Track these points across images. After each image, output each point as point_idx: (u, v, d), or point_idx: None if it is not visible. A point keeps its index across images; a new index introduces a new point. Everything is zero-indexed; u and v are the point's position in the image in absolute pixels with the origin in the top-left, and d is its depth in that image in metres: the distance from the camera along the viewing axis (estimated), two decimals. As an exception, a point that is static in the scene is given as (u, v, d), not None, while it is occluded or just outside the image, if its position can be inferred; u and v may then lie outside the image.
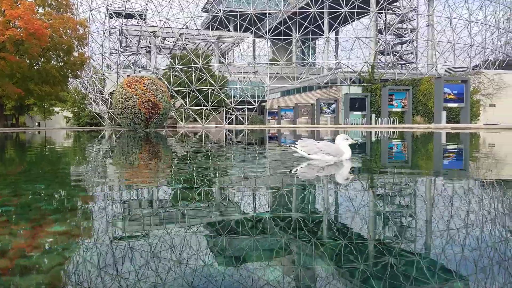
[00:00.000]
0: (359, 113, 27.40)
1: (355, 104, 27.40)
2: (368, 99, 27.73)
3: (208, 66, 33.17)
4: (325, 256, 1.21)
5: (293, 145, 3.80)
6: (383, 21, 36.20)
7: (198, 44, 37.00)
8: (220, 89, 32.75)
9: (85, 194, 2.38)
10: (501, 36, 33.87)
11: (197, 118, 33.95)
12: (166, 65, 35.25)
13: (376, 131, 15.56)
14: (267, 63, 37.76)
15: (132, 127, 22.68)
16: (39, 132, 21.61)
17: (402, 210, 1.83)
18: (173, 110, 31.93)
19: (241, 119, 35.58)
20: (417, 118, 25.49)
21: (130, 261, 1.17)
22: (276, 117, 34.46)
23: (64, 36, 27.45)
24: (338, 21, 32.75)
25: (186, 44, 34.29)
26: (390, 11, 35.03)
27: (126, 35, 36.15)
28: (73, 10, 31.00)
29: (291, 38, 35.53)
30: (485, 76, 23.93)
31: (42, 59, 27.58)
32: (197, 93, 32.43)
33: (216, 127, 32.52)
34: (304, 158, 3.74)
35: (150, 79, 23.31)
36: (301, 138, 3.94)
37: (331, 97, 31.25)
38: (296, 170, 3.19)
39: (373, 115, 26.84)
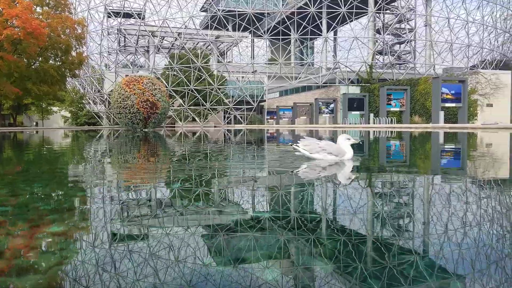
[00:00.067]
0: (358, 113, 27.47)
1: (354, 104, 27.46)
2: (366, 99, 27.79)
3: (206, 65, 33.14)
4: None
5: (295, 144, 3.81)
6: (381, 21, 36.28)
7: (197, 44, 36.94)
8: (219, 88, 32.73)
9: (83, 194, 2.37)
10: (498, 36, 34.02)
11: (196, 118, 33.92)
12: (165, 65, 35.20)
13: (374, 131, 15.60)
14: (265, 63, 37.76)
15: (131, 126, 22.62)
16: (37, 132, 21.53)
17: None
18: (172, 109, 31.89)
19: (240, 119, 35.58)
20: (415, 118, 25.57)
21: (129, 261, 1.17)
22: (275, 117, 34.48)
23: (62, 36, 27.34)
24: (337, 21, 32.80)
25: (185, 44, 34.23)
26: (388, 11, 35.11)
27: (125, 35, 36.06)
28: (71, 10, 30.88)
29: (290, 38, 35.55)
30: (483, 76, 24.04)
31: (40, 58, 27.46)
32: (195, 92, 32.39)
33: (215, 126, 32.49)
34: (306, 157, 3.74)
35: (149, 79, 23.26)
36: (304, 137, 3.95)
37: (330, 97, 31.30)
38: (298, 171, 3.19)
39: (371, 115, 26.90)
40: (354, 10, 31.43)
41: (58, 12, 28.16)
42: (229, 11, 34.25)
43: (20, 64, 24.92)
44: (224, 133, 16.64)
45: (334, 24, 33.91)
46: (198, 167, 3.62)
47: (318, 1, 31.82)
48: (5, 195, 2.26)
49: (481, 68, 28.22)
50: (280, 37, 33.71)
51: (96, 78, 35.63)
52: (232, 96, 34.74)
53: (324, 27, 35.04)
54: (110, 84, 33.34)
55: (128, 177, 3.16)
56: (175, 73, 32.41)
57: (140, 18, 33.78)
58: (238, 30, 34.41)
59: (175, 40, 34.16)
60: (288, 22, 34.49)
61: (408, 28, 36.20)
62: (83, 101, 38.60)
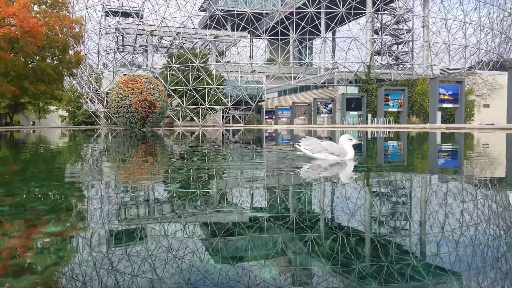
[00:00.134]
0: (356, 113, 27.55)
1: (352, 104, 27.55)
2: (365, 99, 27.88)
3: (205, 65, 33.10)
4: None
5: (296, 144, 3.82)
6: (379, 22, 36.40)
7: (195, 43, 36.89)
8: (217, 88, 32.70)
9: (80, 194, 2.37)
10: (495, 38, 34.24)
11: (194, 118, 33.86)
12: (163, 64, 35.11)
13: (372, 131, 15.65)
14: (264, 63, 37.77)
15: (129, 126, 22.56)
16: (33, 131, 21.41)
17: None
18: (170, 109, 31.82)
19: (238, 119, 35.57)
20: (413, 118, 25.68)
21: (127, 261, 1.17)
22: (273, 117, 34.49)
23: (59, 34, 27.20)
24: (335, 21, 32.87)
25: (183, 43, 34.17)
26: (386, 12, 35.23)
27: (123, 34, 35.94)
28: (69, 8, 30.73)
29: (288, 38, 35.58)
30: (479, 77, 24.19)
31: (37, 57, 27.31)
32: (194, 92, 32.35)
33: (213, 126, 32.46)
34: (307, 157, 3.74)
35: (147, 78, 23.20)
36: (305, 136, 3.95)
37: (328, 97, 31.37)
38: (300, 171, 3.19)
39: (369, 115, 26.99)
40: (353, 11, 31.52)
41: (55, 10, 28.01)
42: (227, 10, 34.23)
43: (17, 63, 24.76)
44: (222, 133, 16.63)
45: (332, 25, 33.98)
46: (198, 167, 3.62)
47: (317, 2, 31.87)
48: (1, 195, 2.25)
49: (478, 69, 28.40)
50: (279, 37, 33.73)
51: (94, 77, 35.49)
52: (231, 96, 34.73)
53: (322, 28, 35.10)
54: (108, 83, 33.21)
55: (126, 176, 3.15)
56: (173, 72, 32.34)
57: (138, 17, 33.68)
58: (237, 29, 34.40)
59: (174, 39, 34.09)
60: (286, 22, 34.52)
61: (406, 29, 36.34)
62: (81, 100, 38.43)
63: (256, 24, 34.27)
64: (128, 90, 21.79)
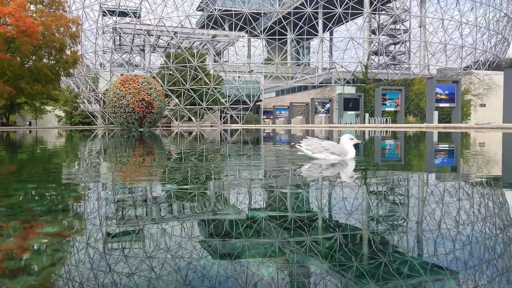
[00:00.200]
0: (353, 112, 27.65)
1: (349, 103, 27.64)
2: (362, 99, 27.98)
3: (203, 65, 33.06)
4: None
5: (297, 144, 3.82)
6: (377, 22, 36.54)
7: (193, 43, 36.83)
8: (215, 88, 32.68)
9: (77, 194, 2.35)
10: (491, 38, 34.49)
11: (192, 118, 33.81)
12: (161, 64, 35.03)
13: (370, 131, 15.71)
14: (262, 63, 37.81)
15: (126, 126, 22.48)
16: (30, 132, 21.28)
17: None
18: (168, 109, 31.74)
19: (236, 119, 35.56)
20: (410, 118, 25.81)
21: (124, 263, 1.16)
22: (271, 117, 34.53)
23: (56, 34, 27.04)
24: (333, 21, 32.96)
25: (181, 43, 34.11)
26: (383, 12, 35.38)
27: (120, 33, 35.79)
28: (66, 8, 30.55)
29: (286, 38, 35.62)
30: (476, 77, 24.36)
31: (34, 57, 27.14)
32: (192, 92, 32.30)
33: (211, 126, 32.43)
34: (308, 157, 3.74)
35: (144, 78, 23.13)
36: (306, 137, 3.95)
37: (326, 96, 31.45)
38: (302, 170, 3.19)
39: (367, 115, 27.09)
40: (350, 11, 31.62)
41: (52, 10, 27.85)
42: (225, 10, 34.21)
43: (13, 63, 24.60)
44: (220, 132, 16.62)
45: (330, 25, 34.06)
46: (196, 167, 3.61)
47: (314, 2, 31.94)
48: (-3, 196, 2.24)
49: (474, 69, 28.59)
50: (277, 37, 33.76)
51: (91, 77, 35.32)
52: (229, 96, 34.71)
53: (320, 28, 35.18)
54: (105, 83, 33.09)
55: (122, 177, 3.14)
56: (171, 72, 32.27)
57: (135, 16, 33.57)
58: (235, 29, 34.40)
59: (171, 39, 34.02)
60: (284, 22, 34.56)
61: (403, 29, 36.52)
62: (78, 101, 38.23)
63: (254, 24, 34.27)
64: (125, 90, 21.72)
